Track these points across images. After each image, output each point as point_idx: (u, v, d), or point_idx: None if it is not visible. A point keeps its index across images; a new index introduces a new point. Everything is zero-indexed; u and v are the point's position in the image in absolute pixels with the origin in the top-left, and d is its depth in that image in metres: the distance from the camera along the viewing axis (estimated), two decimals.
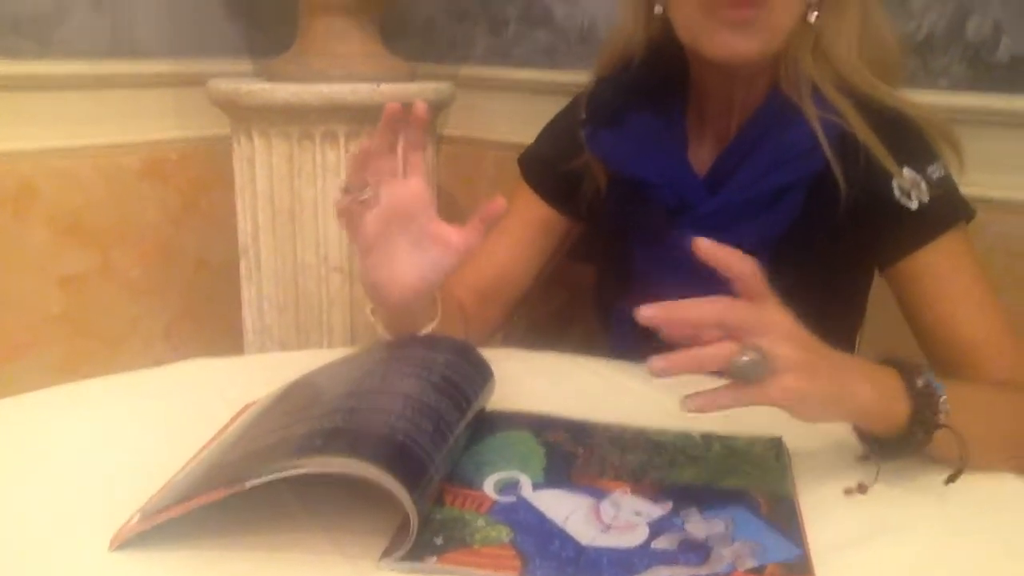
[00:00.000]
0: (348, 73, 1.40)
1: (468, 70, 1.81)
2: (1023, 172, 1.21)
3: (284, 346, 1.49)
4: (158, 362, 0.89)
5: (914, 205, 0.86)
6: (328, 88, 1.35)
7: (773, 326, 0.61)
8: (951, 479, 0.66)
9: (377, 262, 0.77)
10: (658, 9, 0.91)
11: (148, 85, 1.70)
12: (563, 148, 1.03)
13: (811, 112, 0.87)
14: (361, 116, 1.40)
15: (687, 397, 0.61)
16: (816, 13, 0.87)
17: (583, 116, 1.01)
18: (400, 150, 0.77)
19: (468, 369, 0.71)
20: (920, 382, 0.66)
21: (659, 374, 0.60)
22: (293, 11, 1.52)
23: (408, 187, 0.76)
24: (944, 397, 0.66)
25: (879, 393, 0.66)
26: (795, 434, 0.72)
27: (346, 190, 0.75)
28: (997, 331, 0.84)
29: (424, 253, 0.77)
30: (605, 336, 1.06)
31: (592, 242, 1.11)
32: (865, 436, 0.69)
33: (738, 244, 0.88)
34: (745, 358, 0.59)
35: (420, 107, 0.76)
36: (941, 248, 0.87)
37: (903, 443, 0.67)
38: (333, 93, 1.35)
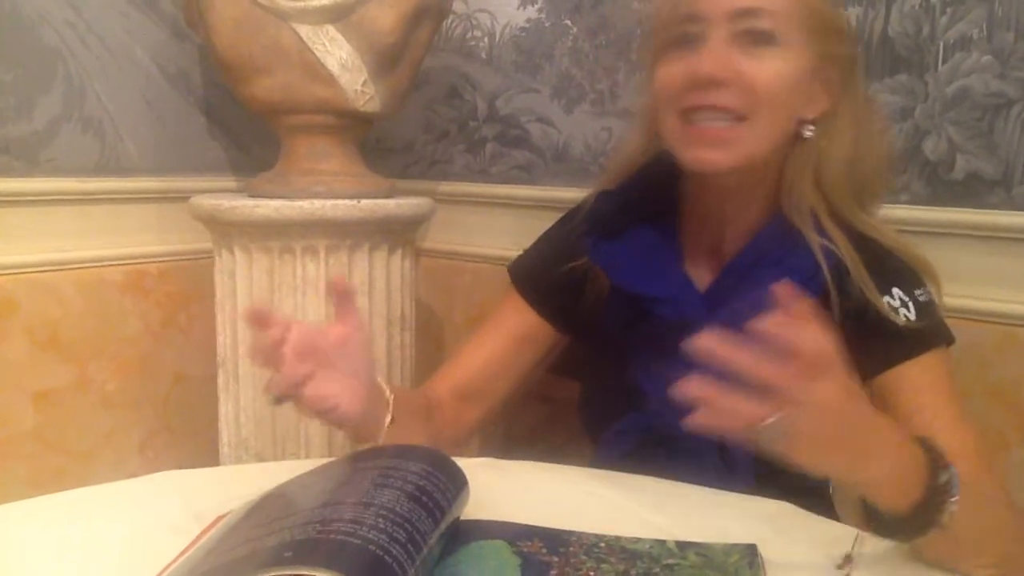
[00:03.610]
0: (329, 190, 1.44)
1: (447, 186, 1.87)
2: (986, 283, 1.25)
3: (261, 459, 1.47)
4: (132, 477, 0.88)
5: (902, 321, 0.89)
6: (309, 204, 1.38)
7: (816, 402, 0.60)
8: None
9: (320, 391, 0.79)
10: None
11: (132, 201, 1.73)
12: (559, 255, 1.04)
13: (814, 240, 0.90)
14: (341, 231, 1.42)
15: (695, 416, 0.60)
16: (811, 128, 0.91)
17: (585, 227, 1.02)
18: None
19: (442, 478, 0.71)
20: (943, 478, 0.67)
21: (684, 394, 0.60)
22: (275, 132, 1.57)
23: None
24: (955, 498, 0.66)
25: (897, 475, 0.66)
26: (770, 542, 0.72)
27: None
28: (970, 449, 0.86)
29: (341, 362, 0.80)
30: (592, 450, 1.06)
31: (576, 357, 1.12)
32: (867, 511, 0.68)
33: None
34: (769, 421, 0.59)
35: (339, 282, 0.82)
36: (923, 364, 0.90)
37: (897, 525, 0.67)
38: (314, 208, 1.38)
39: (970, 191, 1.27)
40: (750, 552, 0.71)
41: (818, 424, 0.61)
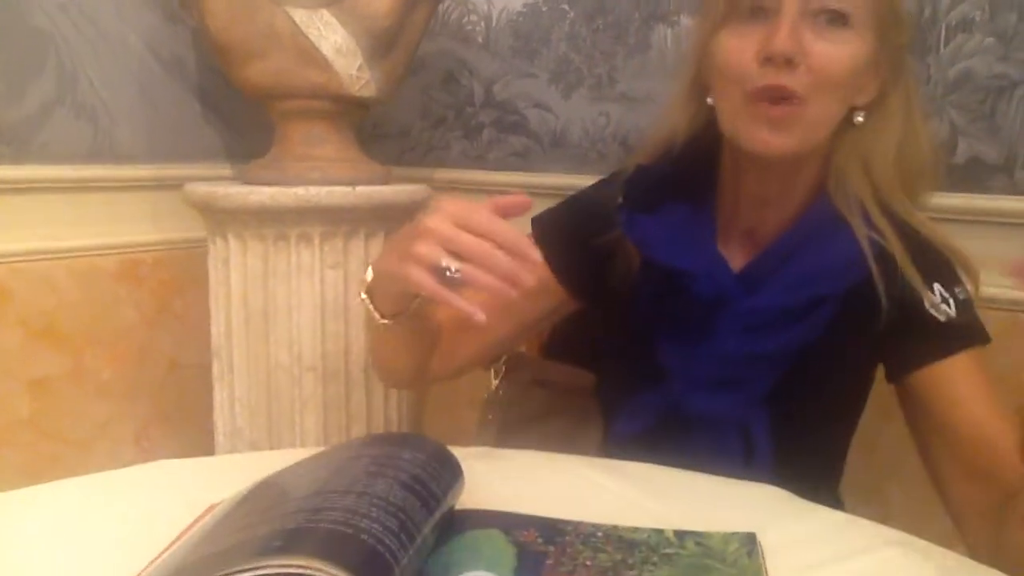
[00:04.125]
0: (324, 176, 1.43)
1: (444, 173, 1.85)
2: (989, 269, 1.23)
3: (255, 448, 1.47)
4: (128, 465, 0.87)
5: (942, 318, 0.88)
6: (304, 190, 1.37)
7: None
8: None
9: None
10: (710, 100, 0.91)
11: (127, 188, 1.71)
12: (588, 223, 1.00)
13: (860, 230, 0.88)
14: (336, 217, 1.41)
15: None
16: (862, 114, 0.90)
17: (620, 199, 0.98)
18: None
19: (437, 467, 0.70)
20: None
21: None
22: (270, 117, 1.56)
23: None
24: None
25: None
26: (769, 530, 0.71)
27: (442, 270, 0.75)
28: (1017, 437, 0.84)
29: None
30: (607, 427, 1.04)
31: (572, 341, 1.11)
32: None
33: (770, 347, 0.90)
34: None
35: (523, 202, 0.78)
36: (962, 361, 0.89)
37: None
38: (308, 195, 1.37)
39: (972, 175, 1.25)
40: (749, 541, 0.70)
41: None
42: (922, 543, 0.71)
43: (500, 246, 0.74)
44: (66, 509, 0.76)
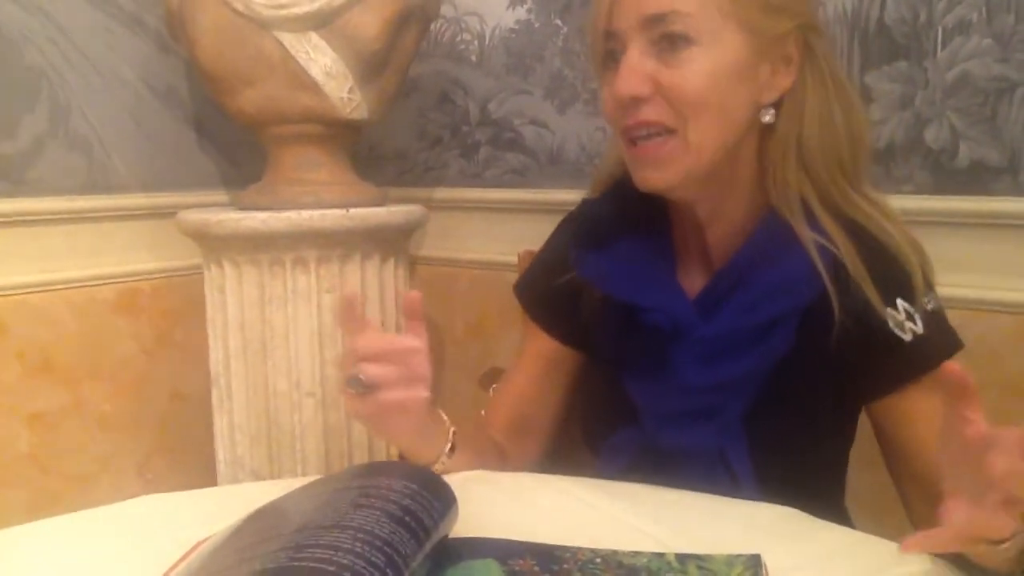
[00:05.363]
0: (317, 200, 1.41)
1: (442, 192, 1.84)
2: (995, 272, 1.22)
3: (257, 477, 1.45)
4: (130, 499, 0.85)
5: (908, 337, 0.85)
6: (296, 214, 1.35)
7: None
8: None
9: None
10: None
11: (123, 218, 1.70)
12: (554, 270, 1.00)
13: (805, 235, 0.85)
14: (331, 241, 1.40)
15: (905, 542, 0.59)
16: (771, 113, 0.87)
17: (571, 238, 0.99)
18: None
19: (428, 496, 0.67)
20: None
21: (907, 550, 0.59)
22: (263, 143, 1.55)
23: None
24: None
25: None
26: (775, 551, 0.68)
27: (347, 384, 0.78)
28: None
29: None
30: (594, 464, 1.02)
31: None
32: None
33: (732, 374, 0.87)
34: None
35: (411, 297, 0.80)
36: (932, 384, 0.84)
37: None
38: (302, 220, 1.35)
39: (975, 179, 1.23)
40: (754, 562, 0.67)
41: None
42: (940, 563, 0.67)
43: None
44: (49, 548, 0.74)
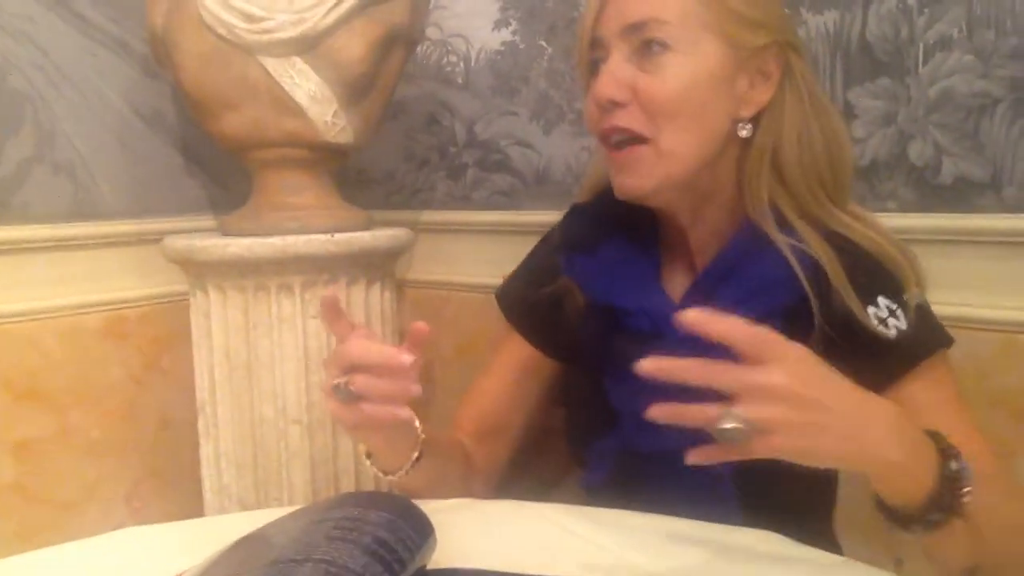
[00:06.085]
0: (302, 225, 1.40)
1: (430, 215, 1.83)
2: (981, 289, 1.21)
3: (244, 505, 1.43)
4: (119, 528, 0.85)
5: (892, 333, 0.84)
6: (281, 240, 1.35)
7: (763, 391, 0.61)
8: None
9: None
10: None
11: (109, 245, 1.69)
12: (539, 278, 1.01)
13: (780, 240, 0.85)
14: (316, 266, 1.39)
15: (691, 452, 0.64)
16: (747, 127, 0.87)
17: (558, 241, 1.00)
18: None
19: (403, 527, 0.67)
20: (953, 466, 0.67)
21: (652, 416, 0.63)
22: (248, 168, 1.54)
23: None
24: (969, 488, 0.66)
25: (903, 462, 0.65)
26: None
27: (333, 389, 0.77)
28: (987, 455, 0.82)
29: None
30: (580, 472, 1.02)
31: (562, 382, 1.08)
32: (882, 507, 0.69)
33: None
34: (726, 425, 0.60)
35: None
36: (923, 377, 0.85)
37: (917, 519, 0.67)
38: (286, 244, 1.35)
39: (959, 195, 1.23)
40: None
41: (784, 410, 0.60)
42: None
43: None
44: None
